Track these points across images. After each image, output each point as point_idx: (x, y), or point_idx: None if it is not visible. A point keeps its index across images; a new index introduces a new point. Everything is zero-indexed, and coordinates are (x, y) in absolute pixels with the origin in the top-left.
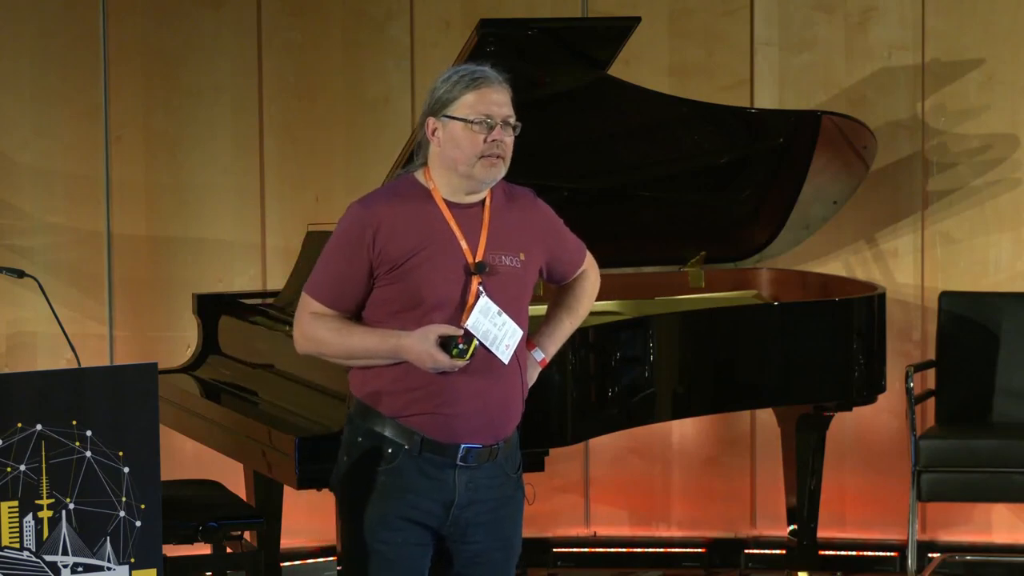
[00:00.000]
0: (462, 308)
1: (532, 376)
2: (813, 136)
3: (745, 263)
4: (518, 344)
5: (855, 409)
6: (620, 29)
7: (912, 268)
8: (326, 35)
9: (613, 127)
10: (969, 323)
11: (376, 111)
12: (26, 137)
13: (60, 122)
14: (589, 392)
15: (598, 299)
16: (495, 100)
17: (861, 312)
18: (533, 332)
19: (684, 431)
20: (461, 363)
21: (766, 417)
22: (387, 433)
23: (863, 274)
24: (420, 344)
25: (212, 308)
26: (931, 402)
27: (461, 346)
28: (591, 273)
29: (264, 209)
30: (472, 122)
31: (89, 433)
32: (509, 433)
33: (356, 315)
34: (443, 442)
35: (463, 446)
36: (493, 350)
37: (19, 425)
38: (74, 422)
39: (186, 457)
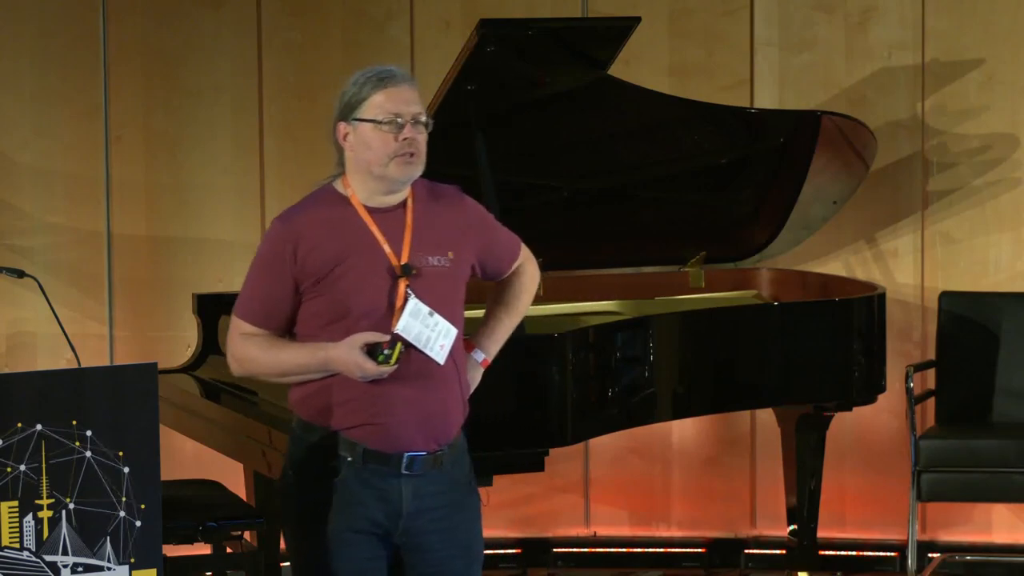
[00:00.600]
0: (392, 313)
1: (475, 378)
2: (813, 136)
3: (745, 263)
4: (454, 345)
5: (855, 409)
6: (620, 29)
7: (912, 268)
8: (326, 35)
9: (613, 127)
10: (969, 323)
11: None
12: (26, 137)
13: (60, 122)
14: (589, 392)
15: (598, 299)
16: (403, 98)
17: (861, 312)
18: (471, 333)
19: (684, 431)
20: (388, 369)
21: (766, 417)
22: (329, 446)
23: (863, 274)
24: (347, 354)
25: (212, 308)
26: (931, 402)
27: (386, 351)
28: (528, 267)
29: (264, 209)
30: (381, 122)
31: (89, 433)
32: (452, 437)
33: (288, 332)
34: (386, 452)
35: (407, 455)
36: (427, 351)
37: (19, 425)
38: (74, 422)
39: (186, 457)
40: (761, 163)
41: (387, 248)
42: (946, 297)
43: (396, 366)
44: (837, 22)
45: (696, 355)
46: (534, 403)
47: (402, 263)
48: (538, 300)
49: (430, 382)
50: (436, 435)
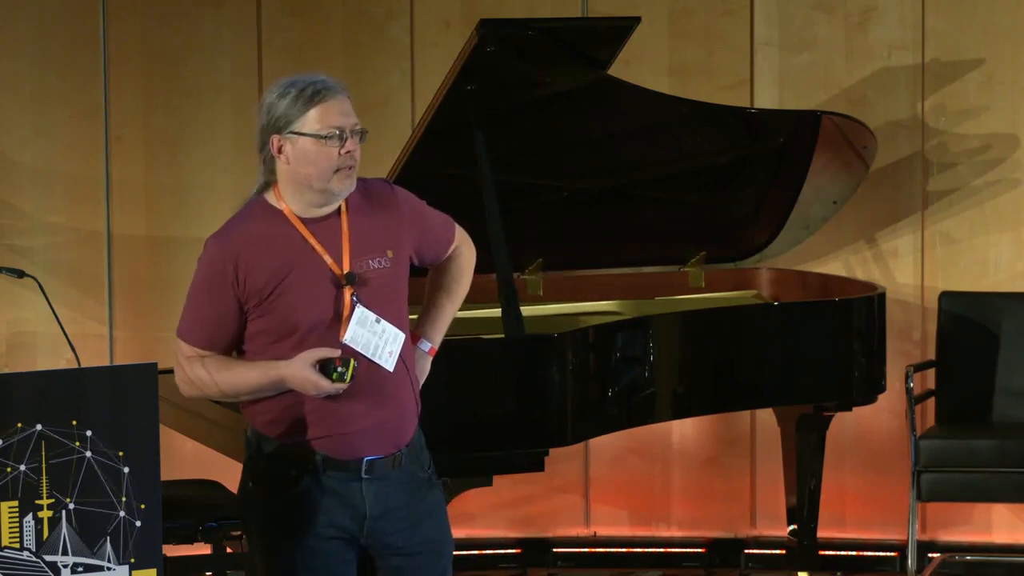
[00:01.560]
0: (339, 323)
1: (424, 368)
2: (813, 136)
3: (745, 263)
4: (402, 347)
5: (855, 409)
6: (620, 29)
7: (912, 268)
8: (326, 35)
9: (613, 127)
10: (969, 323)
11: (376, 111)
12: (26, 137)
13: (60, 122)
14: (589, 392)
15: (598, 299)
16: (341, 111)
17: (861, 312)
18: (415, 323)
19: (684, 431)
20: (343, 386)
21: (766, 417)
22: (287, 457)
23: (863, 274)
24: (300, 372)
25: None
26: (931, 402)
27: (340, 369)
28: (464, 249)
29: None
30: (325, 137)
31: (89, 433)
32: (408, 438)
33: (233, 350)
34: (345, 459)
35: (366, 459)
36: (377, 360)
37: (19, 425)
38: (74, 422)
39: (186, 457)
40: (761, 163)
41: (328, 259)
42: (946, 297)
43: (350, 383)
44: (837, 22)
45: (696, 355)
46: (534, 403)
47: (345, 272)
48: (538, 300)
49: (384, 390)
50: (394, 438)
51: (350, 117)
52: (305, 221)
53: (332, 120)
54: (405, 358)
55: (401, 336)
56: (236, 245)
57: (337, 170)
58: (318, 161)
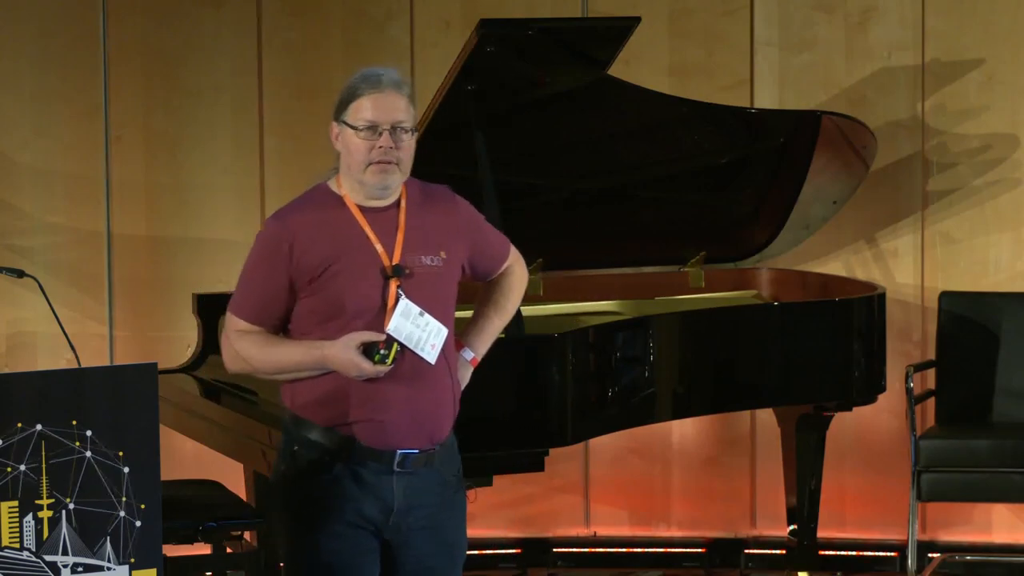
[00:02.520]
0: (384, 313)
1: (465, 376)
2: (813, 136)
3: (745, 263)
4: (445, 343)
5: (855, 409)
6: (620, 29)
7: (912, 268)
8: (326, 35)
9: (613, 127)
10: (969, 323)
11: None
12: (26, 137)
13: (60, 122)
14: (589, 392)
15: (598, 299)
16: (383, 106)
17: (861, 312)
18: (460, 332)
19: (684, 431)
20: (384, 369)
21: (766, 417)
22: (323, 442)
23: (863, 274)
24: (343, 353)
25: (212, 308)
26: (931, 402)
27: (382, 351)
28: (517, 268)
29: (264, 209)
30: (359, 129)
31: (89, 433)
32: (444, 436)
33: (281, 329)
34: (379, 448)
35: (399, 452)
36: (418, 351)
37: (19, 425)
38: (74, 422)
39: (186, 457)
40: (761, 163)
41: (379, 248)
42: (946, 297)
43: (392, 366)
44: (837, 22)
45: (696, 355)
46: (534, 403)
47: (393, 263)
48: (538, 300)
49: (423, 381)
50: (428, 433)
51: (390, 113)
52: (363, 210)
53: (366, 114)
54: (447, 355)
55: (444, 331)
56: (293, 225)
57: (370, 164)
58: (354, 152)
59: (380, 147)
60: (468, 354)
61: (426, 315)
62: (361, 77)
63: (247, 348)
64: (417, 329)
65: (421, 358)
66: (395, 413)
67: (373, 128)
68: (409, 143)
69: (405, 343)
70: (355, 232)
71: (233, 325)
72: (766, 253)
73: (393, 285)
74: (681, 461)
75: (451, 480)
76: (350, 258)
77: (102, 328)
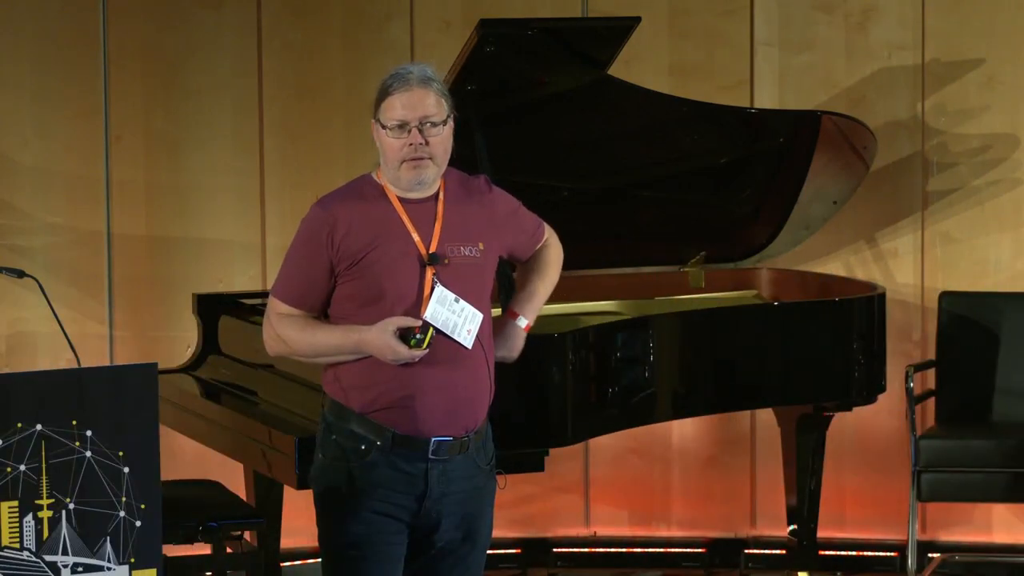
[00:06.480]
0: (421, 301)
1: (518, 346)
2: (813, 136)
3: (745, 263)
4: (480, 329)
5: (855, 409)
6: (620, 29)
7: (912, 268)
8: (326, 35)
9: (613, 127)
10: (969, 323)
11: None
12: (26, 137)
13: (60, 122)
14: (589, 392)
15: (598, 299)
16: (409, 102)
17: (861, 312)
18: (511, 302)
19: (684, 431)
20: (420, 353)
21: (766, 417)
22: (359, 430)
23: (863, 274)
24: (380, 337)
25: (212, 308)
26: (931, 402)
27: (418, 336)
28: (552, 241)
29: (264, 209)
30: (389, 128)
31: (89, 433)
32: (478, 423)
33: (322, 314)
34: (413, 436)
35: (433, 439)
36: (455, 337)
37: (19, 425)
38: (74, 422)
39: (186, 457)
40: (761, 163)
41: (416, 237)
42: (946, 297)
43: (427, 350)
44: (837, 22)
45: (696, 355)
46: (534, 403)
47: (430, 252)
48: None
49: (458, 367)
50: (463, 420)
51: (417, 110)
52: (403, 201)
53: (394, 112)
54: (483, 342)
55: (479, 316)
56: (336, 211)
57: (403, 161)
58: (388, 151)
59: (411, 144)
60: (522, 321)
61: (461, 301)
62: (392, 76)
63: (287, 330)
64: (453, 315)
65: (458, 344)
66: (430, 399)
67: (403, 126)
68: (442, 136)
69: (441, 329)
70: (394, 221)
71: (275, 308)
72: (766, 253)
73: (429, 273)
74: (681, 461)
75: (484, 467)
76: (388, 246)
77: (102, 328)
